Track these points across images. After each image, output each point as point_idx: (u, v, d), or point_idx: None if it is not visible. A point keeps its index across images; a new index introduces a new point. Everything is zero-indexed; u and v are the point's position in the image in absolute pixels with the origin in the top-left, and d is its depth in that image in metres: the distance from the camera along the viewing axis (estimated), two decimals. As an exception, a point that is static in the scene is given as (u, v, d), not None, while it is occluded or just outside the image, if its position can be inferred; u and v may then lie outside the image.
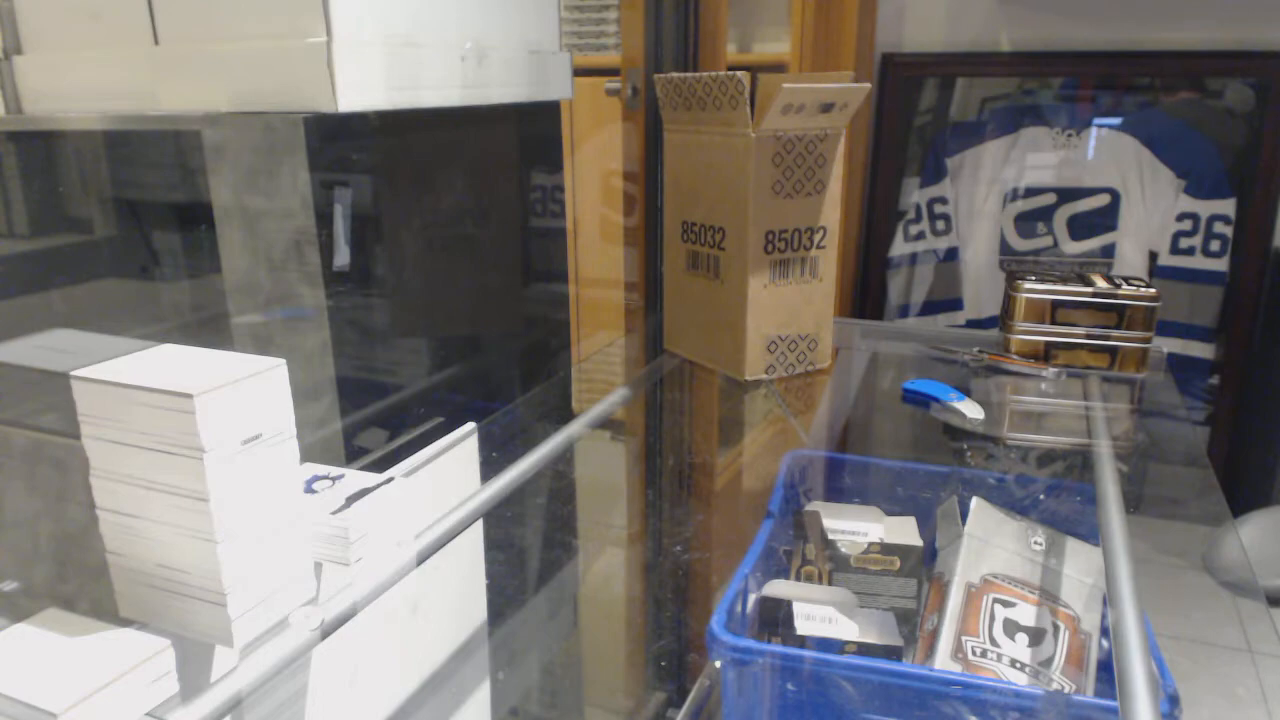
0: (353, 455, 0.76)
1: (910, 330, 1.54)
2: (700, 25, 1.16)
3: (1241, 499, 1.61)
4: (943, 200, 1.98)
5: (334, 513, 0.52)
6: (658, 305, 0.93)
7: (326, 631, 0.50)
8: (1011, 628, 0.85)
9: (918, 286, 2.02)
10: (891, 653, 0.84)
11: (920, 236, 1.99)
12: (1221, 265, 1.86)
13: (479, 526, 0.82)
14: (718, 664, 0.80)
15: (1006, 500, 0.97)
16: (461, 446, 0.79)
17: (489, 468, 0.79)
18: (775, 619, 0.88)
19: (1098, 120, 1.75)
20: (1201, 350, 1.89)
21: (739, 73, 0.78)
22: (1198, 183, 1.72)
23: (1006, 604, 0.87)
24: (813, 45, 1.65)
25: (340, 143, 0.72)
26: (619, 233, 1.26)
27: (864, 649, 0.84)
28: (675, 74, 0.87)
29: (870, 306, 2.05)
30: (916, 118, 1.89)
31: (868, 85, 0.88)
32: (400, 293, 0.83)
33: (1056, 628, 0.85)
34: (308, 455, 0.52)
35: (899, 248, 2.00)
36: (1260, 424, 1.77)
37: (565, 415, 1.00)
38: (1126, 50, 1.67)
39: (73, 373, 0.45)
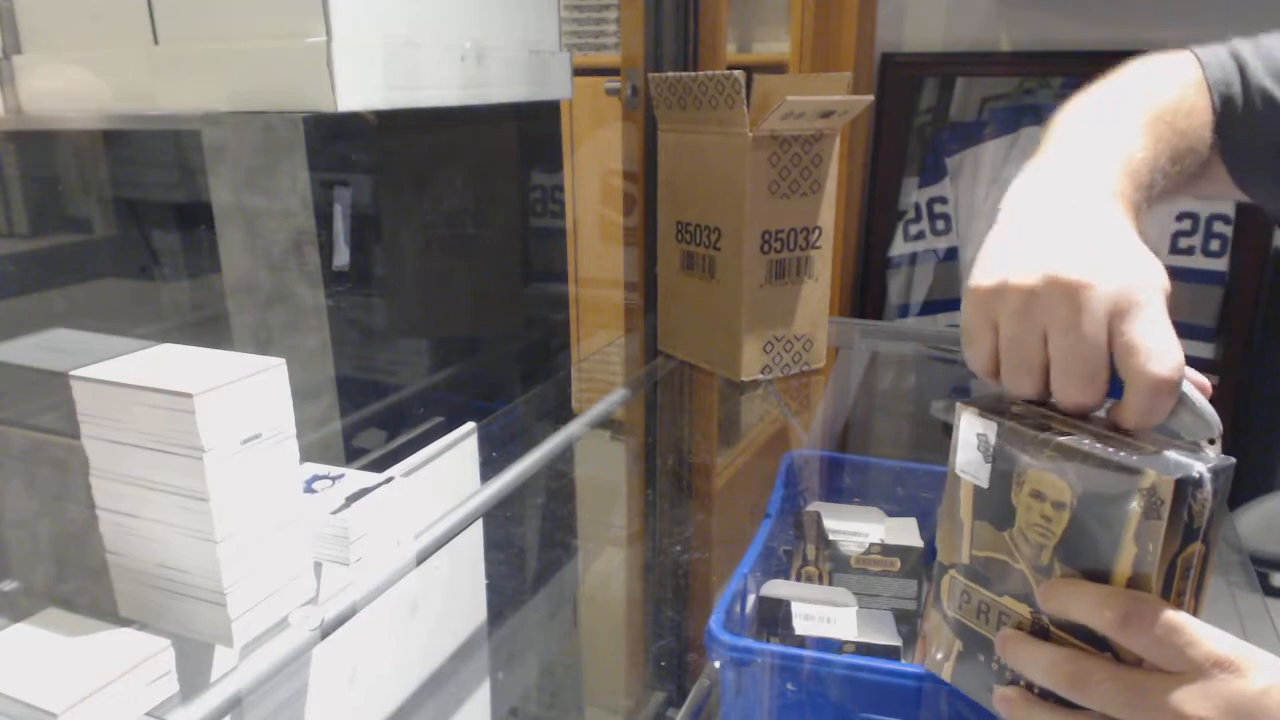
0: (353, 455, 0.76)
1: (910, 330, 1.54)
2: (700, 25, 1.16)
3: (1242, 498, 1.61)
4: (942, 200, 1.98)
5: (334, 512, 0.52)
6: (657, 305, 0.93)
7: (326, 631, 0.50)
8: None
9: (918, 286, 2.01)
10: (890, 652, 0.84)
11: (920, 236, 1.99)
12: (1221, 265, 1.86)
13: (479, 526, 0.82)
14: (717, 664, 0.80)
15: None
16: (461, 446, 0.79)
17: (489, 468, 0.79)
18: (774, 619, 0.88)
19: (1097, 120, 1.75)
20: (1201, 350, 1.89)
21: (735, 71, 0.78)
22: (1197, 183, 1.72)
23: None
24: (812, 45, 1.65)
25: (340, 143, 0.72)
26: (619, 232, 1.26)
27: (862, 648, 0.84)
28: (670, 73, 0.86)
29: (870, 306, 2.04)
30: (916, 117, 1.89)
31: (869, 98, 0.87)
32: (400, 292, 0.83)
33: (1056, 627, 0.84)
34: (308, 455, 0.52)
35: (899, 247, 2.00)
36: (1260, 424, 1.77)
37: (565, 415, 1.00)
38: (1126, 50, 1.66)
39: (73, 373, 0.45)
